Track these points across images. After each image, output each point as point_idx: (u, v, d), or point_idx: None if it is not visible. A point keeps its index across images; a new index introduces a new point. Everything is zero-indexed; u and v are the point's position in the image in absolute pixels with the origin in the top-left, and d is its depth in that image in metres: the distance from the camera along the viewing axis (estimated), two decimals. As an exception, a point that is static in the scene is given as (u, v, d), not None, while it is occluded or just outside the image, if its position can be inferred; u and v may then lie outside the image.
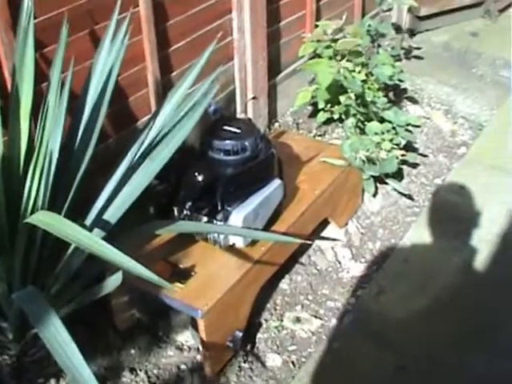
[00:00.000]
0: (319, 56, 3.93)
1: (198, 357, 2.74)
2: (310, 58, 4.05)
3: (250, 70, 3.74)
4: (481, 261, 3.22)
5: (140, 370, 2.70)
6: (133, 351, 2.77)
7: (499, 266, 3.19)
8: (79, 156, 2.39)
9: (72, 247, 2.34)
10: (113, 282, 2.29)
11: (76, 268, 2.42)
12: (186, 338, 2.81)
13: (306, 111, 4.23)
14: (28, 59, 2.32)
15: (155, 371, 2.70)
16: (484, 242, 3.33)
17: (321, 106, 3.95)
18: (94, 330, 2.78)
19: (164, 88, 3.17)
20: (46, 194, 2.21)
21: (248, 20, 3.58)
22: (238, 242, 2.75)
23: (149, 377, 2.68)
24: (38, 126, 2.29)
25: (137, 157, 2.45)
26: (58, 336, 1.85)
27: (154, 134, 2.50)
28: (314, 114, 4.13)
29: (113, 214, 2.39)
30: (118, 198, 2.38)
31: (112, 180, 2.43)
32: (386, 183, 3.62)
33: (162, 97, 3.12)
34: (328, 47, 3.88)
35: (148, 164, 2.38)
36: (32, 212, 2.18)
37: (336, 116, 3.92)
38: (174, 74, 3.27)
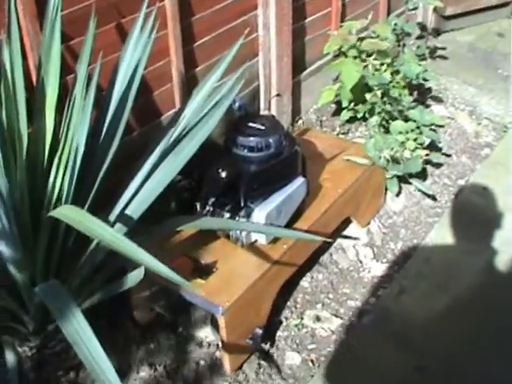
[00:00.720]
0: (344, 54, 3.92)
1: (218, 353, 2.74)
2: (335, 56, 4.04)
3: (274, 66, 3.73)
4: (503, 262, 3.20)
5: (159, 365, 2.69)
6: (152, 346, 2.77)
7: (521, 269, 3.17)
8: (104, 150, 2.38)
9: (95, 241, 2.34)
10: (134, 277, 2.28)
11: (98, 262, 2.42)
12: (205, 333, 2.81)
13: (329, 109, 4.21)
14: (54, 52, 2.32)
15: (174, 366, 2.70)
16: (506, 243, 3.30)
17: (344, 104, 3.94)
18: (114, 324, 2.79)
19: (188, 83, 3.17)
20: (70, 188, 2.21)
21: (273, 16, 3.57)
22: (261, 239, 2.75)
23: (167, 372, 2.67)
24: (63, 119, 2.29)
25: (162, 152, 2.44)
26: (79, 329, 1.84)
27: (179, 129, 2.50)
28: (337, 112, 4.11)
29: (136, 209, 2.38)
30: (142, 192, 2.37)
31: (138, 175, 2.42)
32: (409, 183, 3.60)
33: (186, 91, 3.12)
34: (353, 47, 3.86)
35: (172, 159, 2.37)
36: (55, 205, 2.18)
37: (360, 114, 3.92)
38: (198, 69, 3.26)
